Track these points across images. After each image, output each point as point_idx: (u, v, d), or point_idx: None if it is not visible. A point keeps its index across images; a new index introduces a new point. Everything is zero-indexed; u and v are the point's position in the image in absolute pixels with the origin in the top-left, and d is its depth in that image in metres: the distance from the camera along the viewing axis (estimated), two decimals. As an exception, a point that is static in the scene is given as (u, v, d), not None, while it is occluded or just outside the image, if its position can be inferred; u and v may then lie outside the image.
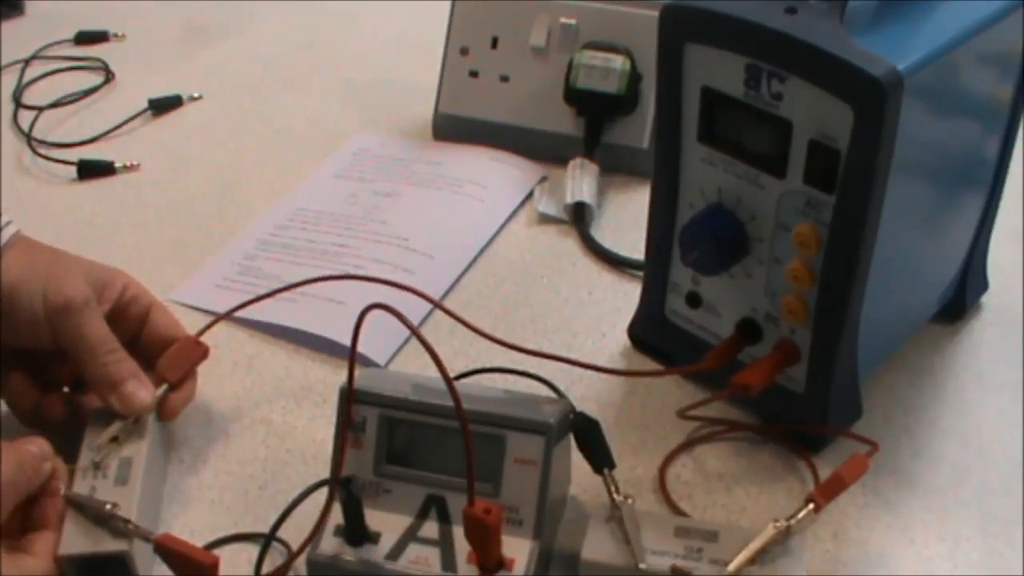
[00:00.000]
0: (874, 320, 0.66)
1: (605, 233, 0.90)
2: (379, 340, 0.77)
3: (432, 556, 0.59)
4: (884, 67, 0.57)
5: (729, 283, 0.70)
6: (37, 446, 0.60)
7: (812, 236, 0.63)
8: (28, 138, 1.02)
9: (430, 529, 0.60)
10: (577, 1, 0.95)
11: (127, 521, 0.60)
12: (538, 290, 0.84)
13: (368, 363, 0.76)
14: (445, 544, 0.59)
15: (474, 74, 0.99)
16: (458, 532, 0.58)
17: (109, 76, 1.13)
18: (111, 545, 0.60)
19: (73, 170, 0.98)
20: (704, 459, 0.70)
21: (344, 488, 0.59)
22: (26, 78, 1.12)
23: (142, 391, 0.66)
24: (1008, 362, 0.76)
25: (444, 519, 0.60)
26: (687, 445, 0.71)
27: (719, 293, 0.71)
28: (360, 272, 0.84)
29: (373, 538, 0.60)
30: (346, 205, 0.92)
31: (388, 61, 1.16)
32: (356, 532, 0.60)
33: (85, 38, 1.20)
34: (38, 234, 0.91)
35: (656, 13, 0.65)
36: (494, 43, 0.99)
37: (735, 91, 0.63)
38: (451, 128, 1.01)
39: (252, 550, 0.64)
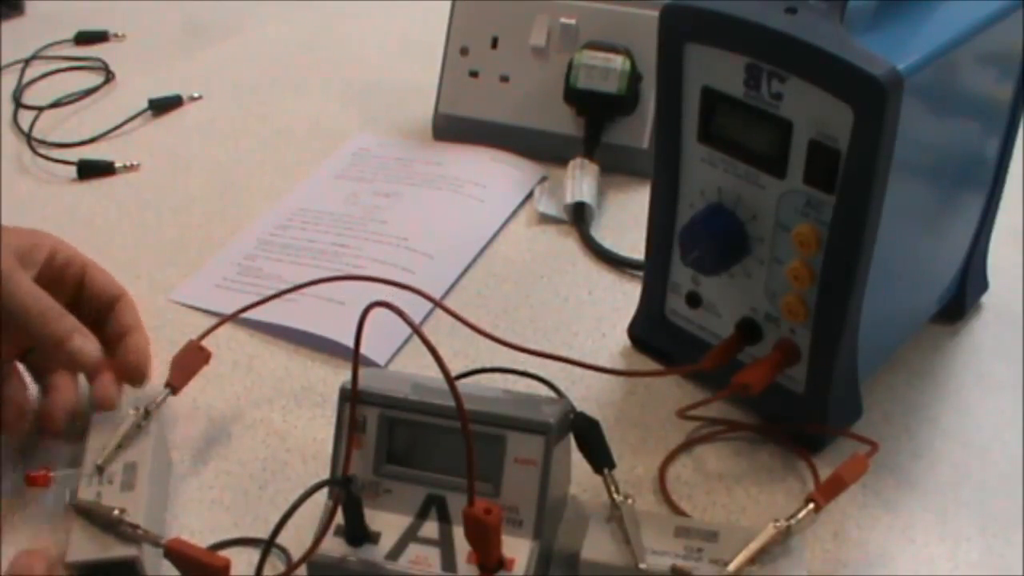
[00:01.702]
0: (874, 320, 0.66)
1: (605, 233, 0.90)
2: (379, 340, 0.77)
3: (432, 556, 0.59)
4: (884, 67, 0.57)
5: (729, 283, 0.70)
6: None
7: (812, 236, 0.63)
8: (28, 138, 1.02)
9: (430, 529, 0.60)
10: (577, 1, 0.95)
11: (135, 527, 0.60)
12: (538, 290, 0.84)
13: (368, 363, 0.76)
14: (445, 544, 0.59)
15: (474, 74, 0.99)
16: (458, 532, 0.58)
17: (109, 76, 1.13)
18: (120, 551, 0.60)
19: (73, 170, 0.98)
20: (704, 459, 0.70)
21: (344, 488, 0.59)
22: (26, 78, 1.12)
23: (88, 344, 0.66)
24: (1008, 362, 0.76)
25: (444, 519, 0.60)
26: (687, 445, 0.71)
27: (719, 293, 0.71)
28: (360, 272, 0.84)
29: (373, 538, 0.60)
30: (346, 205, 0.92)
31: (388, 61, 1.16)
32: (356, 532, 0.60)
33: (85, 38, 1.20)
34: (38, 234, 0.91)
35: (656, 13, 0.65)
36: (494, 43, 0.99)
37: (735, 91, 0.63)
38: (451, 128, 1.01)
39: (252, 552, 0.64)
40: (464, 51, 0.99)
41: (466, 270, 0.86)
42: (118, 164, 0.99)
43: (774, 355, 0.68)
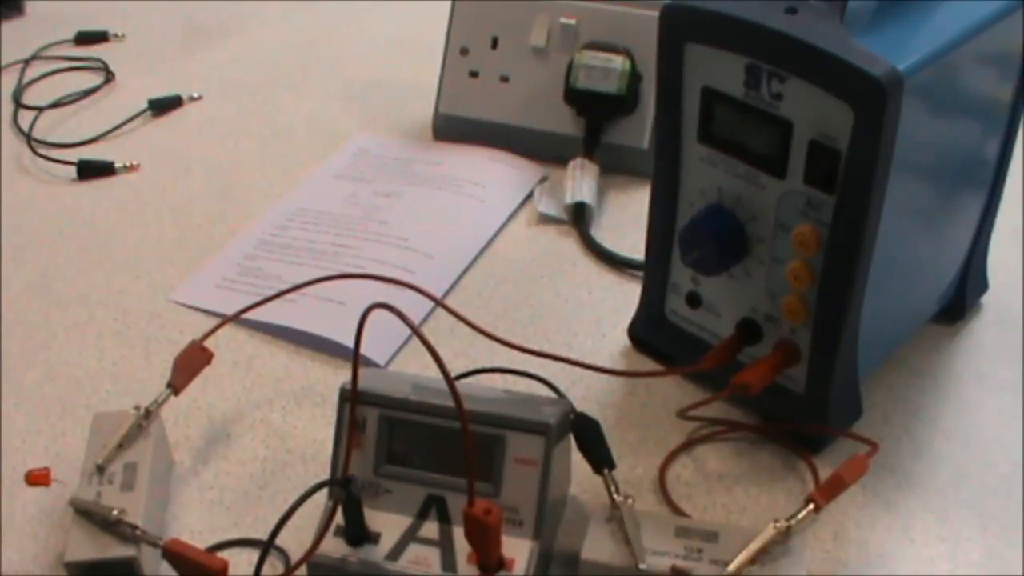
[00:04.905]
0: (874, 320, 0.66)
1: (605, 233, 0.90)
2: (379, 340, 0.77)
3: (432, 556, 0.59)
4: (884, 67, 0.57)
5: (729, 283, 0.70)
6: None
7: (812, 236, 0.63)
8: (28, 138, 1.02)
9: (430, 529, 0.60)
10: (577, 1, 0.95)
11: (134, 527, 0.60)
12: (538, 290, 0.84)
13: (368, 363, 0.76)
14: (445, 544, 0.59)
15: (474, 74, 0.99)
16: (458, 532, 0.58)
17: (109, 76, 1.13)
18: (119, 551, 0.60)
19: (73, 170, 0.98)
20: (704, 459, 0.70)
21: (344, 488, 0.59)
22: (26, 78, 1.12)
23: None
24: (1008, 362, 0.76)
25: (444, 519, 0.60)
26: (687, 445, 0.71)
27: (719, 293, 0.71)
28: (360, 272, 0.83)
29: (373, 538, 0.60)
30: (346, 205, 0.92)
31: (388, 61, 1.16)
32: (356, 532, 0.60)
33: (85, 38, 1.20)
34: (38, 234, 0.91)
35: (656, 13, 0.65)
36: (494, 43, 0.99)
37: (735, 91, 0.63)
38: (451, 128, 1.01)
39: (252, 553, 0.64)
40: (464, 51, 0.99)
41: (466, 270, 0.86)
42: (118, 164, 0.99)
43: (774, 355, 0.68)
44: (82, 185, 0.98)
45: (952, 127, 0.67)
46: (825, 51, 0.58)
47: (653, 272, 0.74)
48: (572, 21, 0.95)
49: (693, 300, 0.73)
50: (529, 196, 0.95)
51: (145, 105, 1.07)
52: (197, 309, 0.82)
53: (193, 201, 0.95)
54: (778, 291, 0.67)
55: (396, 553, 0.59)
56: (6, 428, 0.73)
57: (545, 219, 0.92)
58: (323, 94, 1.10)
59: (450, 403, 0.55)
